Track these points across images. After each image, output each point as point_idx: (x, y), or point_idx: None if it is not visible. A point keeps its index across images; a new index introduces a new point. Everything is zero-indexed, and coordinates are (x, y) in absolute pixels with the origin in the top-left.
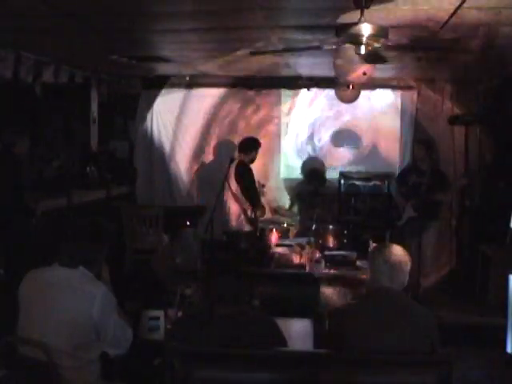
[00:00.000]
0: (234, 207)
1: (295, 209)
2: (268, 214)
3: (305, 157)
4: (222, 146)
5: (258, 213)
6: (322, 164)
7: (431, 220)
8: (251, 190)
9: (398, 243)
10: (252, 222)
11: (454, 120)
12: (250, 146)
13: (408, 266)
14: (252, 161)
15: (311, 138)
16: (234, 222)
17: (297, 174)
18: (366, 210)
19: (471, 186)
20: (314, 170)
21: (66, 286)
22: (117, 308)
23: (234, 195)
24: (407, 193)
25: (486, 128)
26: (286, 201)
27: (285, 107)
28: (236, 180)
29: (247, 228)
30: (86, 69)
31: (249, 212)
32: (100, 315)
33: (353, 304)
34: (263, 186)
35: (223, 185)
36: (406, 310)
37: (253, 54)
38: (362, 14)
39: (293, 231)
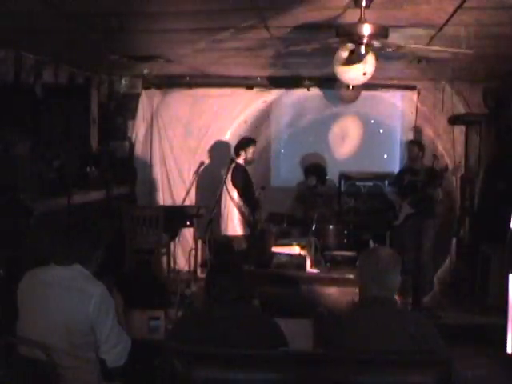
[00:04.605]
0: (232, 210)
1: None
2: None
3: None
4: (217, 147)
5: (257, 216)
6: (323, 159)
7: (428, 218)
8: (248, 193)
9: (398, 243)
10: (251, 225)
11: (454, 120)
12: (240, 146)
13: (397, 268)
14: (249, 160)
15: (310, 138)
16: (232, 225)
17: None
18: (365, 210)
19: (471, 186)
20: (313, 164)
21: (63, 285)
22: (117, 313)
23: (231, 198)
24: (403, 191)
25: (486, 128)
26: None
27: (285, 107)
28: (232, 184)
29: (246, 231)
30: (86, 69)
31: (247, 215)
32: (97, 313)
33: (344, 316)
34: (263, 188)
35: (222, 186)
36: (398, 321)
37: (252, 49)
38: (362, 13)
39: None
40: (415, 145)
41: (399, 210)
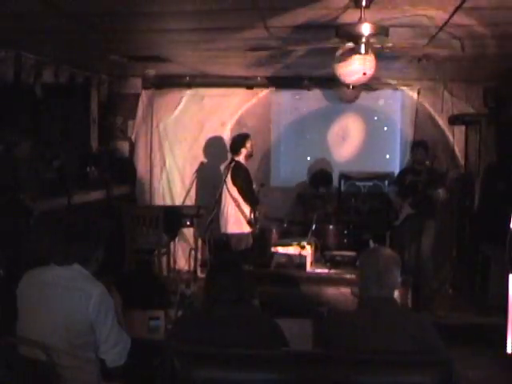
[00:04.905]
0: (231, 208)
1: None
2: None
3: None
4: (217, 147)
5: (257, 214)
6: (329, 165)
7: (429, 219)
8: (248, 191)
9: (398, 244)
10: (251, 223)
11: (454, 120)
12: (238, 144)
13: (397, 267)
14: (248, 156)
15: (311, 138)
16: (231, 223)
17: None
18: (365, 210)
19: (471, 186)
20: (320, 172)
21: (62, 285)
22: (116, 314)
23: (231, 196)
24: (404, 192)
25: (486, 128)
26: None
27: (284, 107)
28: (232, 182)
29: (246, 230)
30: (86, 69)
31: (247, 213)
32: (96, 313)
33: (344, 316)
34: (262, 185)
35: (222, 185)
36: (399, 321)
37: (252, 50)
38: (362, 13)
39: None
40: (422, 147)
41: (400, 210)
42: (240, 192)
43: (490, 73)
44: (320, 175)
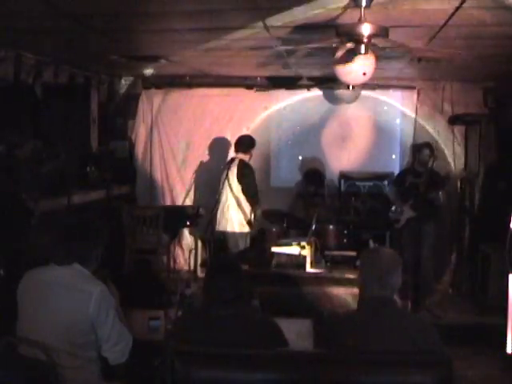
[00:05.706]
0: (232, 207)
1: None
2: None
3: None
4: (217, 146)
5: (257, 213)
6: (321, 164)
7: (429, 220)
8: (252, 191)
9: (398, 244)
10: (250, 223)
11: (454, 120)
12: (250, 144)
13: (398, 268)
14: (250, 158)
15: (310, 138)
16: (231, 222)
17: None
18: (365, 210)
19: (471, 186)
20: (312, 170)
21: (63, 284)
22: (116, 312)
23: (233, 195)
24: (405, 194)
25: (486, 128)
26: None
27: (284, 107)
28: (238, 180)
29: (245, 230)
30: (86, 69)
31: (247, 213)
32: (97, 313)
33: (344, 315)
34: None
35: (223, 184)
36: (399, 321)
37: (252, 49)
38: (361, 13)
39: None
40: (428, 148)
41: (401, 212)
42: (244, 191)
43: (490, 73)
44: (311, 174)
